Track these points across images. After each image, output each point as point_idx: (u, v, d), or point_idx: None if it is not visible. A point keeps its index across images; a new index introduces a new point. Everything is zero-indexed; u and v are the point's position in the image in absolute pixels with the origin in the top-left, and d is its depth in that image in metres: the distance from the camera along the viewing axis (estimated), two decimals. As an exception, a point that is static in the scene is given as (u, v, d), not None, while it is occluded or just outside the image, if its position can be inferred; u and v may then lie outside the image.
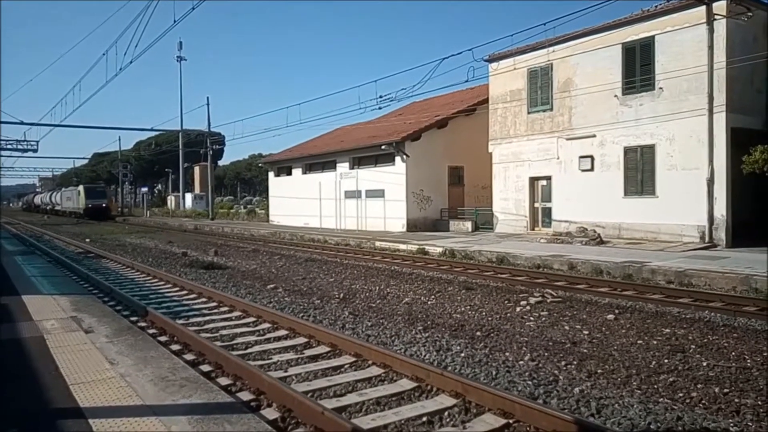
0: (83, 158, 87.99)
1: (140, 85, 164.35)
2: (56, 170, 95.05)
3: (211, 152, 43.77)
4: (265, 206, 42.95)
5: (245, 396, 5.29)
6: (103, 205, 53.52)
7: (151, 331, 7.78)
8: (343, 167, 29.12)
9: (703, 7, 16.20)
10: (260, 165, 45.57)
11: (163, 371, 4.95)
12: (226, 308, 9.56)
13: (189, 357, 6.51)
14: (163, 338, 7.41)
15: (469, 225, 24.25)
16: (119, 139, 68.02)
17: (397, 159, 25.50)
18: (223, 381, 5.68)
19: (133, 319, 8.45)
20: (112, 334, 6.33)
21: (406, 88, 24.19)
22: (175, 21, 12.97)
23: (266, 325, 8.23)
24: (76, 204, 55.56)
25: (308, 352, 6.83)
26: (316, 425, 4.53)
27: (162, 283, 12.58)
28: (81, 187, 56.13)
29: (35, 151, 39.15)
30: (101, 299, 9.70)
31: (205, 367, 6.13)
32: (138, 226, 39.58)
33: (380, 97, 22.73)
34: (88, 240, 25.88)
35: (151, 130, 52.27)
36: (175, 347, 6.95)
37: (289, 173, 34.51)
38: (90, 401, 4.25)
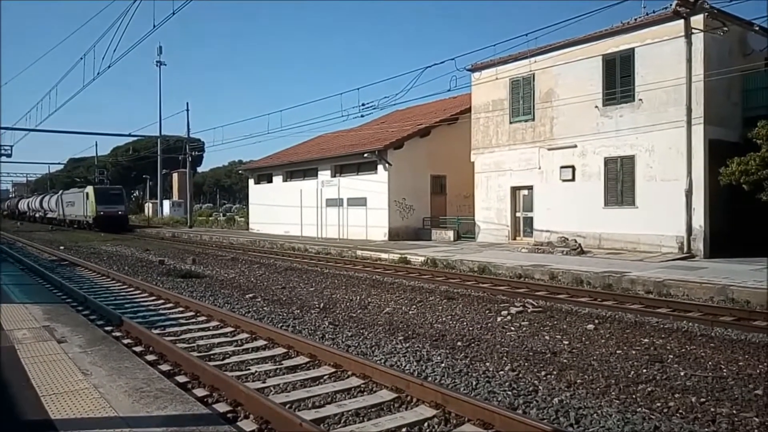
0: (59, 163, 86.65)
1: (118, 89, 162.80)
2: (31, 176, 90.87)
3: (190, 159, 43.45)
4: (244, 214, 42.66)
5: (222, 407, 5.20)
6: (120, 212, 42.36)
7: (126, 341, 7.64)
8: (324, 175, 29.05)
9: (682, 21, 16.48)
10: (240, 172, 45.12)
11: (138, 382, 4.86)
12: (203, 318, 9.43)
13: (165, 367, 6.39)
14: (138, 348, 7.26)
15: (451, 234, 24.30)
16: (96, 145, 67.29)
17: (380, 167, 25.51)
18: (200, 392, 5.59)
19: (108, 328, 8.31)
20: (85, 344, 6.21)
21: (388, 97, 24.39)
22: (154, 26, 12.87)
23: (244, 336, 8.12)
24: (82, 211, 43.93)
25: (287, 363, 6.75)
26: (294, 437, 4.46)
27: (138, 292, 12.38)
28: (90, 189, 43.38)
29: (9, 156, 38.32)
30: (75, 308, 9.53)
31: (181, 378, 6.02)
32: (114, 233, 37.87)
33: (363, 104, 22.75)
34: (62, 247, 25.43)
35: (129, 135, 51.93)
36: (151, 357, 6.82)
37: (270, 181, 34.35)
38: (62, 413, 4.16)
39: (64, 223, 48.42)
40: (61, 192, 53.54)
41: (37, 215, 58.55)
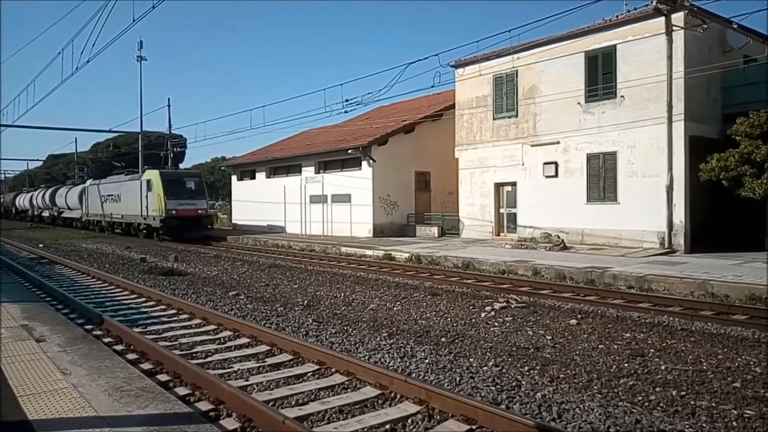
0: (38, 160, 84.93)
1: (98, 85, 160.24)
2: (9, 172, 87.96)
3: (172, 155, 42.84)
4: (227, 211, 42.35)
5: (204, 406, 5.15)
6: (199, 210, 28.41)
7: (106, 339, 7.53)
8: (308, 171, 28.94)
9: (662, 18, 16.64)
10: (223, 168, 44.70)
11: (119, 381, 4.80)
12: (185, 316, 9.34)
13: (146, 366, 6.32)
14: (119, 347, 7.17)
15: (435, 230, 24.35)
16: (75, 141, 66.11)
17: (364, 163, 25.47)
18: (181, 391, 5.53)
19: (88, 327, 8.20)
20: (65, 343, 6.11)
21: (372, 92, 24.26)
22: (134, 20, 12.67)
23: (227, 333, 8.06)
24: (139, 209, 29.33)
25: (270, 361, 6.70)
26: (277, 435, 4.43)
27: (119, 290, 12.24)
28: (155, 175, 28.54)
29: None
30: (54, 307, 9.39)
31: (163, 377, 5.96)
32: (93, 230, 35.74)
33: (346, 100, 22.60)
34: (41, 245, 25.04)
35: (109, 131, 50.88)
36: (132, 356, 6.74)
37: (253, 177, 34.14)
38: (40, 413, 4.09)
39: (95, 226, 35.63)
40: (89, 182, 38.21)
41: (44, 214, 46.36)
